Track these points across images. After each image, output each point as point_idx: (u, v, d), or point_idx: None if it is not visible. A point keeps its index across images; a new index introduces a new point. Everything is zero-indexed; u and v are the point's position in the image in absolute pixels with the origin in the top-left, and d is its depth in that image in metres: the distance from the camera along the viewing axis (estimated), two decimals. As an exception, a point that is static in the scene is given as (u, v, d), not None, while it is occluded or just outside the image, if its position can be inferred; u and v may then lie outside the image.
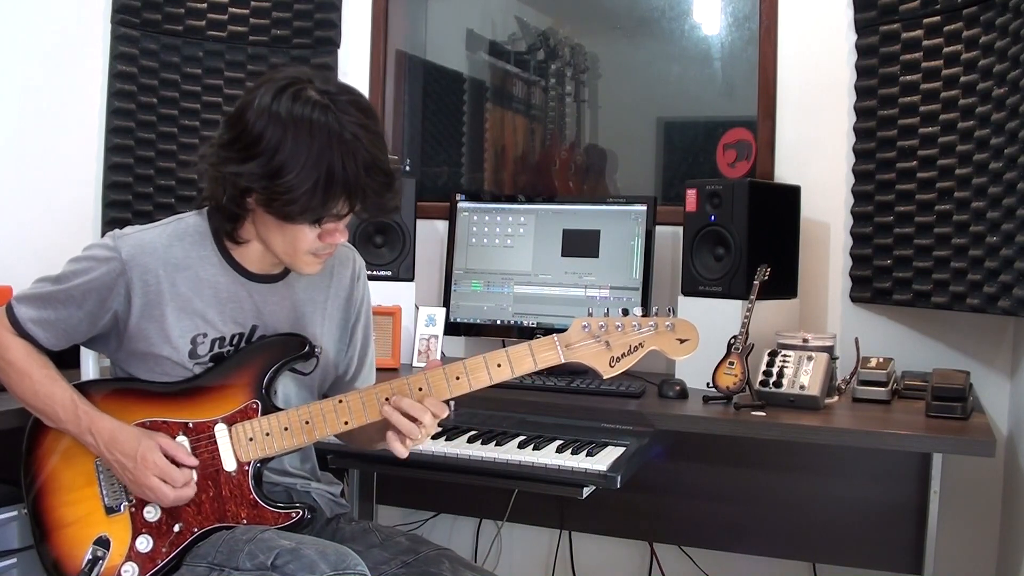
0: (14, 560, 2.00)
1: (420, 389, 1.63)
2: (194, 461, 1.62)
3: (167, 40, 2.89)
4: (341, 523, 1.84)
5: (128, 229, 1.68)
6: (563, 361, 1.64)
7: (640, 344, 1.64)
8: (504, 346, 2.80)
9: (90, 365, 1.91)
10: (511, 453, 2.00)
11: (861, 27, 2.50)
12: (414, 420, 1.59)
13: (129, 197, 2.87)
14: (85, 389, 1.68)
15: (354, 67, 3.05)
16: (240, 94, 2.87)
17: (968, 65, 2.24)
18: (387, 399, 1.62)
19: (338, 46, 2.99)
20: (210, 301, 1.68)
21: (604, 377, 1.64)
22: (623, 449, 2.00)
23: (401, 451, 1.61)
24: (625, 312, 1.65)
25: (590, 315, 1.66)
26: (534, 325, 2.66)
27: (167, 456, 1.60)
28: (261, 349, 1.70)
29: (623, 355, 1.63)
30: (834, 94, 2.58)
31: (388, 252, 2.73)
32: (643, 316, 1.65)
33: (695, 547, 2.67)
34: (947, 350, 2.49)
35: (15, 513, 2.01)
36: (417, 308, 2.71)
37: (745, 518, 2.50)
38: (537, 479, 1.96)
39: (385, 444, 1.64)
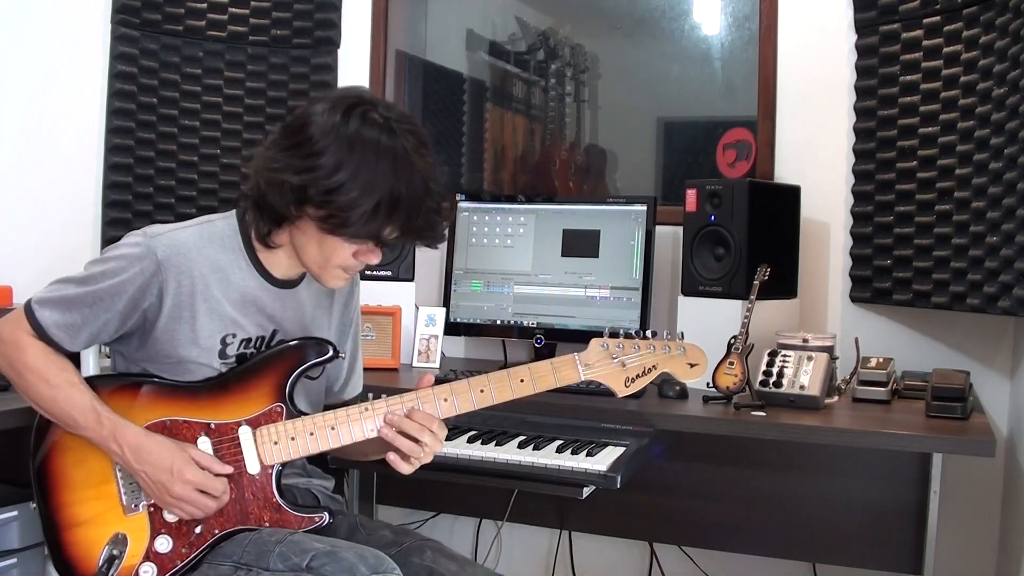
0: (14, 560, 2.00)
1: (445, 400, 1.65)
2: (228, 468, 1.61)
3: (167, 40, 2.89)
4: (335, 520, 1.84)
5: (158, 228, 1.67)
6: (583, 380, 1.70)
7: (653, 366, 1.72)
8: (504, 346, 2.83)
9: (90, 362, 1.89)
10: (511, 453, 2.00)
11: (861, 27, 2.50)
12: (415, 440, 1.62)
13: (129, 197, 2.87)
14: (98, 384, 1.65)
15: (354, 67, 3.05)
16: (240, 94, 2.94)
17: (968, 65, 2.24)
18: (385, 418, 1.64)
19: (338, 46, 2.99)
20: (237, 305, 1.68)
21: (619, 396, 1.71)
22: (623, 449, 2.00)
23: (406, 469, 1.64)
24: (639, 334, 1.72)
25: (610, 335, 1.71)
26: (534, 325, 2.66)
27: (201, 467, 1.59)
28: (284, 353, 1.70)
29: (637, 376, 1.71)
30: (834, 94, 2.58)
31: (388, 252, 2.70)
32: (657, 339, 1.72)
33: (695, 547, 2.67)
34: (947, 350, 2.49)
35: (15, 513, 2.01)
36: (417, 308, 2.71)
37: (745, 518, 2.50)
38: (537, 479, 1.96)
39: (379, 456, 1.67)
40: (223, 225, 1.71)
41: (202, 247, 1.66)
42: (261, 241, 1.68)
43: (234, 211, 1.72)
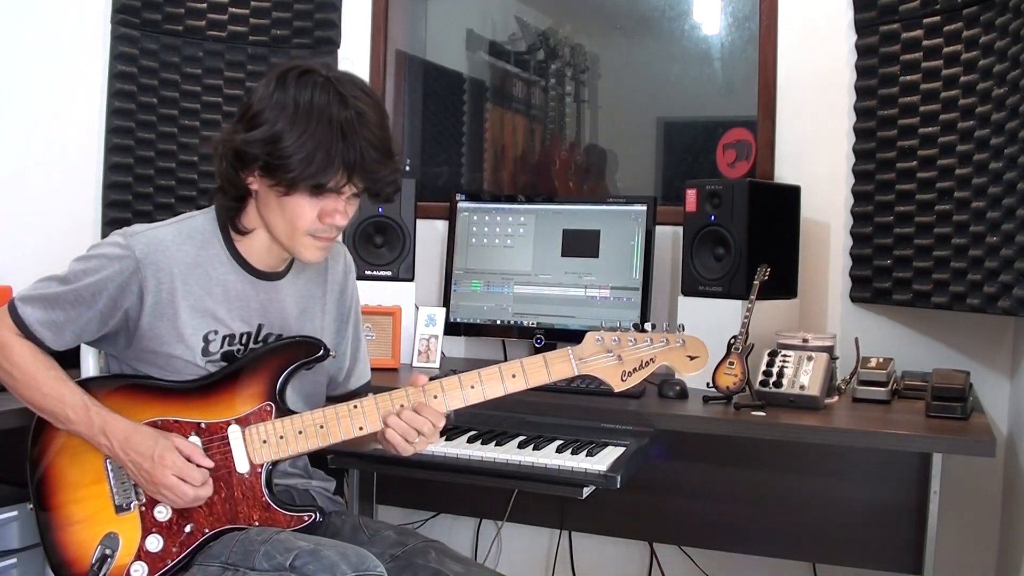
0: (14, 560, 2.00)
1: (435, 397, 1.65)
2: (209, 462, 1.61)
3: (167, 40, 2.89)
4: (334, 520, 1.85)
5: (137, 227, 1.68)
6: (576, 374, 1.67)
7: (651, 359, 1.67)
8: (504, 346, 2.83)
9: (90, 363, 1.90)
10: (511, 453, 2.00)
11: (861, 27, 2.50)
12: (416, 430, 1.64)
13: (129, 197, 2.87)
14: (92, 386, 1.67)
15: (354, 67, 3.04)
16: (240, 94, 2.93)
17: (968, 65, 2.24)
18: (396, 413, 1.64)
19: (338, 46, 2.99)
20: (219, 299, 1.68)
21: (616, 391, 1.67)
22: (623, 449, 2.00)
23: (408, 451, 1.65)
24: (637, 327, 1.68)
25: (605, 329, 1.68)
26: (534, 325, 2.66)
27: (183, 456, 1.59)
28: (275, 351, 1.70)
29: (635, 370, 1.67)
30: (834, 94, 2.58)
31: (388, 252, 2.73)
32: (655, 332, 1.68)
33: (695, 547, 2.67)
34: (947, 350, 2.49)
35: (15, 513, 2.02)
36: (417, 308, 2.71)
37: (745, 518, 2.50)
38: (537, 479, 1.96)
39: (377, 446, 1.66)
40: (202, 220, 1.72)
41: (181, 243, 1.67)
42: (235, 228, 1.69)
43: (213, 207, 1.73)
